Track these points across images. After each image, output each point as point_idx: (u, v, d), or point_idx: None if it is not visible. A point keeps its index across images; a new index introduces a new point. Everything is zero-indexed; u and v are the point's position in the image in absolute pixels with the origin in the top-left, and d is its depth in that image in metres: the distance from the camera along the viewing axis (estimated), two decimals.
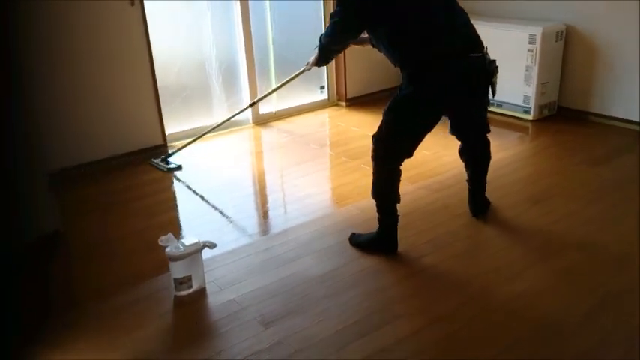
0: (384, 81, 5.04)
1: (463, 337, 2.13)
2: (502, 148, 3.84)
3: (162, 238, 2.41)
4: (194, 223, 3.14)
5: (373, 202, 2.69)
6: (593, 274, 2.48)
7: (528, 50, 4.17)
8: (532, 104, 4.30)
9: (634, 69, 3.99)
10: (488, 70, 2.51)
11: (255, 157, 4.09)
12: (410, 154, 2.58)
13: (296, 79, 3.62)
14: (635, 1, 3.85)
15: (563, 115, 4.43)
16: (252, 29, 4.41)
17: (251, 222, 3.14)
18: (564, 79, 4.40)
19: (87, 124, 3.74)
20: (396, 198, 2.65)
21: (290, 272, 2.56)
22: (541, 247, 2.71)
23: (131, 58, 3.81)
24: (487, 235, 2.85)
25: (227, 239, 2.87)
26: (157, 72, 3.93)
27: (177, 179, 3.70)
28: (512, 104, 4.41)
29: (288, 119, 4.76)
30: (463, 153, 2.91)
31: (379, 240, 2.68)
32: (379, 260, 2.63)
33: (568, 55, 4.33)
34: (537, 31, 4.09)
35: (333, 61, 4.87)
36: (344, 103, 5.01)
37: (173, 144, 4.16)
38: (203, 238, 2.47)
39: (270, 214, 3.22)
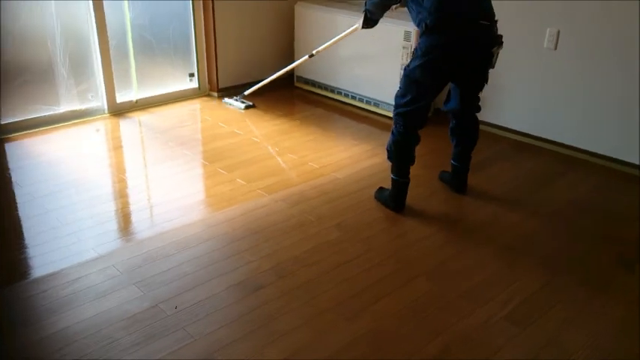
0: (259, 72, 4.65)
1: None
2: (374, 153, 3.60)
3: None
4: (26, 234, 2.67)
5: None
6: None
7: (403, 47, 3.93)
8: None
9: (505, 76, 3.88)
10: (493, 39, 2.64)
11: (100, 155, 3.58)
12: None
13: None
14: (512, 0, 3.70)
15: (443, 116, 4.22)
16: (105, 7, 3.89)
17: (80, 237, 2.65)
18: None
19: None
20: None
21: (98, 311, 2.15)
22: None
23: None
24: (330, 265, 2.52)
25: (41, 262, 2.43)
26: None
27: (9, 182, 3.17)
28: (388, 104, 4.15)
29: (151, 110, 4.29)
30: (455, 132, 3.03)
31: (392, 197, 2.90)
32: (207, 294, 2.28)
33: None
34: (413, 27, 3.83)
35: (204, 47, 4.49)
36: (216, 94, 4.59)
37: (16, 134, 3.65)
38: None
39: (101, 228, 2.76)
